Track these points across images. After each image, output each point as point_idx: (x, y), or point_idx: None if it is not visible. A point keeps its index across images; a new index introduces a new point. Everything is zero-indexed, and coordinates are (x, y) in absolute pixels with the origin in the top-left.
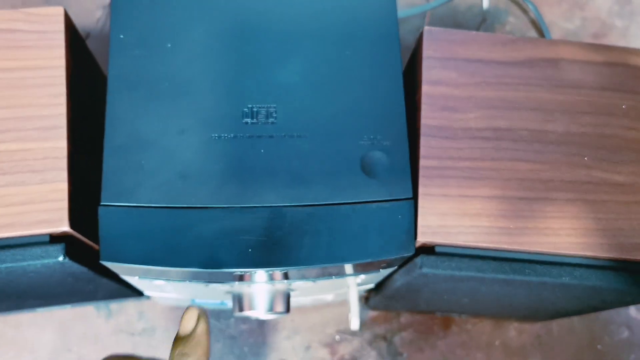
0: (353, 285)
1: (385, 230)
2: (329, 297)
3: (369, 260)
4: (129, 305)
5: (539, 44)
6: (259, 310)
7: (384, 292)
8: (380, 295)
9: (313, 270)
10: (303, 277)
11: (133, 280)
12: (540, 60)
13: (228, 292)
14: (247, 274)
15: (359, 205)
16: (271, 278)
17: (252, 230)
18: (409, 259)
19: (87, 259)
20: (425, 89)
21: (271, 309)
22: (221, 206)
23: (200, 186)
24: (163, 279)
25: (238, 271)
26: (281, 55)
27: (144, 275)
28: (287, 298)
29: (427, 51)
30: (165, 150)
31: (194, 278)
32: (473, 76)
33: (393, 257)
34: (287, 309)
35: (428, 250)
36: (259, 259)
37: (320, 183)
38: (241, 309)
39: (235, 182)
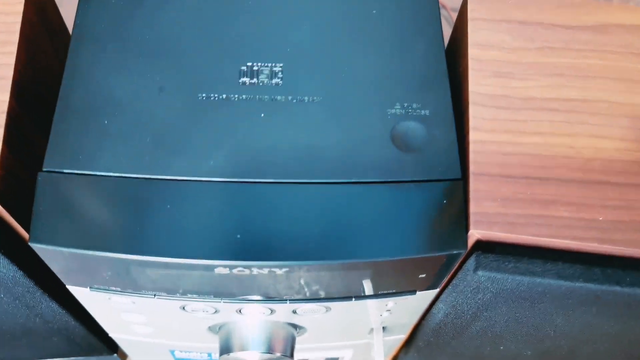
0: (378, 330)
1: (424, 218)
2: (346, 355)
3: (402, 256)
4: None
5: (612, 9)
6: (252, 351)
7: (418, 340)
8: (414, 349)
9: (324, 270)
10: (312, 285)
11: (83, 296)
12: (615, 26)
13: (212, 327)
14: (235, 270)
15: (389, 186)
16: (266, 288)
17: (243, 212)
18: (458, 268)
19: (20, 257)
20: (473, 52)
21: (269, 349)
22: (205, 179)
23: (178, 154)
24: (123, 292)
25: (222, 265)
26: (291, 5)
27: (94, 278)
28: (291, 340)
29: (472, 12)
30: (137, 111)
31: (163, 284)
32: (533, 40)
33: (436, 254)
34: (291, 354)
35: (484, 249)
36: (250, 249)
37: (338, 156)
38: (228, 349)
39: (225, 151)
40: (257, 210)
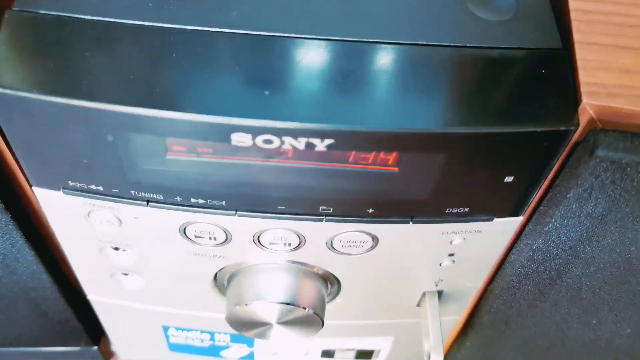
0: (432, 296)
1: (519, 89)
2: (384, 347)
3: (492, 128)
4: None
5: None
6: (268, 302)
7: (481, 316)
8: (473, 334)
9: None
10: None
11: (54, 210)
12: None
13: (220, 277)
14: (260, 140)
15: (470, 50)
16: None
17: (277, 67)
18: (556, 175)
19: None
20: None
21: (293, 299)
22: (225, 30)
23: (192, 2)
24: (105, 198)
25: (244, 126)
26: None
27: (69, 167)
28: (321, 298)
29: None
30: None
31: (160, 180)
32: None
33: (540, 129)
34: (321, 314)
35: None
36: (283, 106)
37: (404, 16)
38: (238, 301)
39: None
40: (295, 68)
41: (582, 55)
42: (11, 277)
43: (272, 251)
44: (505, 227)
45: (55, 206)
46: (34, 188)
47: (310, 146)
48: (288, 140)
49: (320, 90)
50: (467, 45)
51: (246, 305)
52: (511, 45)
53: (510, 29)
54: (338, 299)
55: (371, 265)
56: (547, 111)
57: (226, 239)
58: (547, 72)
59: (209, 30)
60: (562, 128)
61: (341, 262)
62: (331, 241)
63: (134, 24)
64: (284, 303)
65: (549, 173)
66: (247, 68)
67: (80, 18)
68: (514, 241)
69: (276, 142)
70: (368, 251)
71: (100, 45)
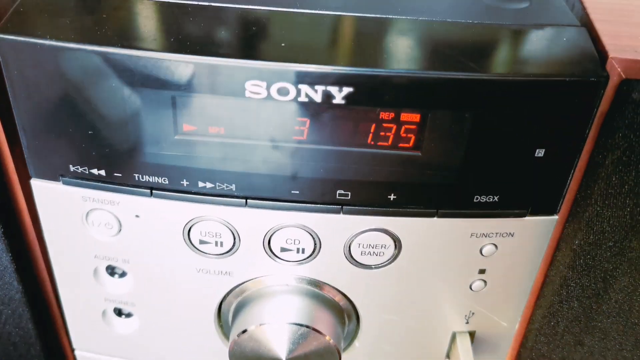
0: (464, 338)
1: (543, 53)
2: None
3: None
4: None
5: None
6: (281, 326)
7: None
8: None
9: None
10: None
11: (49, 215)
12: None
13: (226, 303)
14: (274, 90)
15: (491, 25)
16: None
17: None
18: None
19: None
20: None
21: (306, 320)
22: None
23: None
24: (106, 183)
25: (256, 68)
26: None
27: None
28: (339, 326)
29: None
30: None
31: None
32: None
33: (569, 78)
34: (339, 353)
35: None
36: (300, 55)
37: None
38: (245, 325)
39: None
40: (315, 31)
41: (601, 27)
42: None
43: (283, 262)
44: (540, 229)
45: (52, 208)
46: (32, 181)
47: (327, 97)
48: (304, 90)
49: (340, 44)
50: (488, 22)
51: (254, 328)
52: (531, 22)
53: (527, 13)
54: (356, 343)
55: (393, 286)
56: (575, 67)
57: (233, 245)
58: (570, 40)
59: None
60: (592, 79)
61: (360, 279)
62: (349, 245)
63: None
64: (299, 324)
65: (582, 146)
66: (263, 28)
67: None
68: (552, 259)
69: (292, 91)
70: (390, 262)
71: (117, 7)
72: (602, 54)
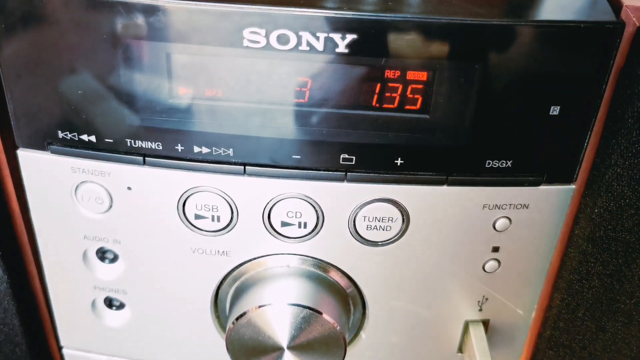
0: (477, 327)
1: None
2: None
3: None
4: None
5: None
6: (282, 307)
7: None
8: None
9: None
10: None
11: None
12: None
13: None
14: (273, 38)
15: None
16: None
17: None
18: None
19: None
20: None
21: (306, 300)
22: None
23: None
24: (96, 152)
25: (257, 12)
26: None
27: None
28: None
29: None
30: None
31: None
32: None
33: (584, 24)
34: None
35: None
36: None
37: None
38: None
39: None
40: None
41: None
42: None
43: (284, 239)
44: (556, 199)
45: (40, 183)
46: (19, 152)
47: (330, 45)
48: (306, 37)
49: None
50: None
51: (252, 311)
52: None
53: None
54: (362, 334)
55: (401, 266)
56: (589, 14)
57: (231, 220)
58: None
59: None
60: (608, 25)
61: (365, 259)
62: (354, 218)
63: None
64: (302, 306)
65: (599, 103)
66: None
67: None
68: (569, 233)
69: (292, 39)
70: (397, 237)
71: None
72: (615, 5)
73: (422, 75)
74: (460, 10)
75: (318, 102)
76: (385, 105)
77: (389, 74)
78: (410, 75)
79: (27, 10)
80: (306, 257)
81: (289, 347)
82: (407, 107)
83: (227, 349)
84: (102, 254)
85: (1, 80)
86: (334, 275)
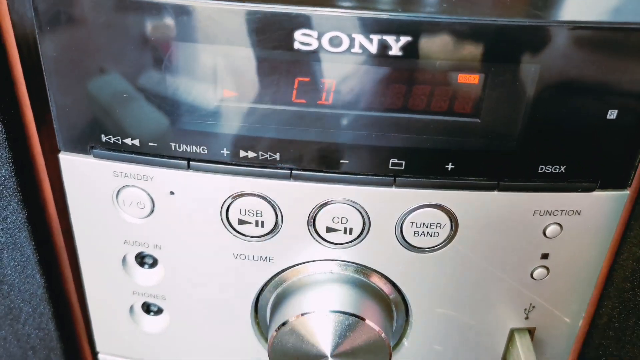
0: (523, 336)
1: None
2: None
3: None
4: None
5: None
6: (327, 315)
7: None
8: None
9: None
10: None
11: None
12: None
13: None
14: (325, 40)
15: None
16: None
17: None
18: None
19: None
20: None
21: (352, 308)
22: None
23: None
24: (139, 155)
25: (310, 14)
26: None
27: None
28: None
29: None
30: None
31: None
32: None
33: None
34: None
35: None
36: (354, 3)
37: None
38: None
39: None
40: None
41: None
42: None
43: (329, 244)
44: (610, 206)
45: (81, 187)
46: (61, 156)
47: (384, 48)
48: (359, 39)
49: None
50: None
51: (295, 319)
52: None
53: None
54: (405, 342)
55: (447, 273)
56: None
57: (275, 225)
58: None
59: None
60: None
61: (411, 265)
62: (401, 224)
63: None
64: (346, 313)
65: None
66: None
67: None
68: (622, 239)
69: (345, 41)
70: (445, 244)
71: None
72: None
73: (474, 79)
74: (516, 12)
75: (367, 106)
76: (435, 109)
77: (440, 76)
78: (462, 78)
79: (72, 11)
80: (349, 263)
81: (332, 355)
82: (458, 110)
83: (270, 357)
84: (141, 259)
85: (44, 82)
86: (377, 281)
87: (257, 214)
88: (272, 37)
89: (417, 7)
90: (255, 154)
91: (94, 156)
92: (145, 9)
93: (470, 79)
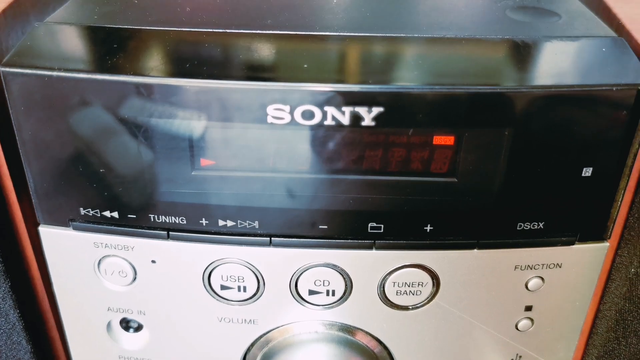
0: None
1: (583, 64)
2: None
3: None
4: None
5: None
6: None
7: None
8: None
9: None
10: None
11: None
12: None
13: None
14: (297, 114)
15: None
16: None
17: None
18: None
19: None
20: None
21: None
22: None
23: None
24: (119, 226)
25: (282, 89)
26: None
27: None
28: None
29: None
30: None
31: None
32: None
33: (616, 87)
34: None
35: None
36: (325, 75)
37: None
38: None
39: None
40: (334, 54)
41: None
42: None
43: (311, 306)
44: (590, 258)
45: (62, 257)
46: (40, 228)
47: (356, 119)
48: (331, 112)
49: (366, 63)
50: (520, 37)
51: None
52: (566, 35)
53: (560, 26)
54: None
55: (431, 329)
56: (620, 76)
57: (257, 290)
58: (609, 51)
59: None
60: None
61: (395, 322)
62: (383, 284)
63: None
64: None
65: (632, 162)
66: (283, 50)
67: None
68: (604, 290)
69: (317, 114)
70: (427, 301)
71: (128, 37)
72: None
73: (449, 140)
74: (487, 78)
75: (343, 171)
76: (411, 170)
77: (415, 140)
78: (437, 140)
79: (46, 92)
80: (333, 322)
81: None
82: (434, 170)
83: None
84: (126, 323)
85: (21, 158)
86: (362, 338)
87: (239, 279)
88: (245, 112)
89: (386, 77)
90: (234, 223)
91: (74, 228)
92: (117, 88)
93: (446, 140)
